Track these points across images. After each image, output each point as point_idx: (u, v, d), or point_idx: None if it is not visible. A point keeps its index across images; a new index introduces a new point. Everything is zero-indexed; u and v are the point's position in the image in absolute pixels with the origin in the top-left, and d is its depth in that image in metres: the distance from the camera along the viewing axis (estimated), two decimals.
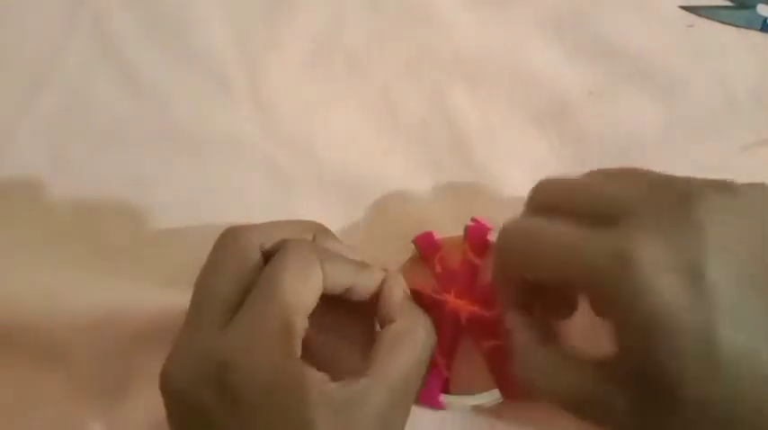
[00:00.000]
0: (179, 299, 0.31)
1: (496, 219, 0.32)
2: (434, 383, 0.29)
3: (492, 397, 0.28)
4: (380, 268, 0.28)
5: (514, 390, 0.28)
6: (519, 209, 0.33)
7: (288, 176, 0.35)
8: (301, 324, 0.24)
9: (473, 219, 0.32)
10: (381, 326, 0.27)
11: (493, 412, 0.29)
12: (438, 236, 0.32)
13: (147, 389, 0.31)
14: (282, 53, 0.38)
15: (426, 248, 0.31)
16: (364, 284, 0.27)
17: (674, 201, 0.22)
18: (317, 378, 0.23)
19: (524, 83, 0.36)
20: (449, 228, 0.32)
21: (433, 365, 0.28)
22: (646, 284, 0.21)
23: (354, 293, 0.27)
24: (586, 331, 0.28)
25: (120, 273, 0.33)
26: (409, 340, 0.26)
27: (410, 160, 0.35)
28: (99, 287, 0.32)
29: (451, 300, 0.30)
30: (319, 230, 0.28)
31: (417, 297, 0.29)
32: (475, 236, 0.31)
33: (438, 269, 0.31)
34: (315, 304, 0.25)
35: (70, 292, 0.32)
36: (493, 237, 0.31)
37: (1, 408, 0.31)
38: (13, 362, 0.31)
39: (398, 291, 0.28)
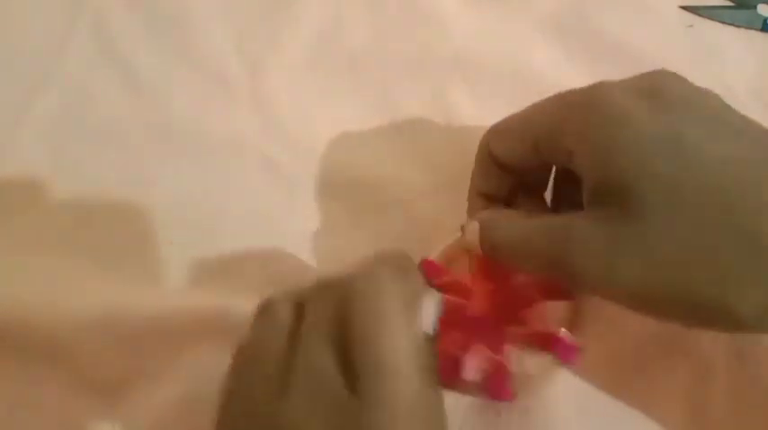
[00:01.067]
0: (179, 298, 0.31)
1: None
2: (499, 379, 0.28)
3: (549, 362, 0.28)
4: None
5: (566, 350, 0.28)
6: None
7: (288, 176, 0.35)
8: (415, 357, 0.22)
9: None
10: None
11: (493, 410, 0.30)
12: (435, 256, 0.31)
13: (148, 388, 0.31)
14: (282, 53, 0.38)
15: (431, 273, 0.31)
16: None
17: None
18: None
19: (524, 83, 0.36)
20: (449, 229, 0.32)
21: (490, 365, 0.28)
22: (607, 93, 0.23)
23: None
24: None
25: (119, 273, 0.33)
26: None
27: (410, 160, 0.35)
28: (99, 287, 0.32)
29: (477, 305, 0.30)
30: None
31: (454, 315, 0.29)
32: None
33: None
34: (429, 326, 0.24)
35: (70, 292, 0.32)
36: None
37: (1, 408, 0.31)
38: (13, 361, 0.31)
39: None
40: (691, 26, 0.37)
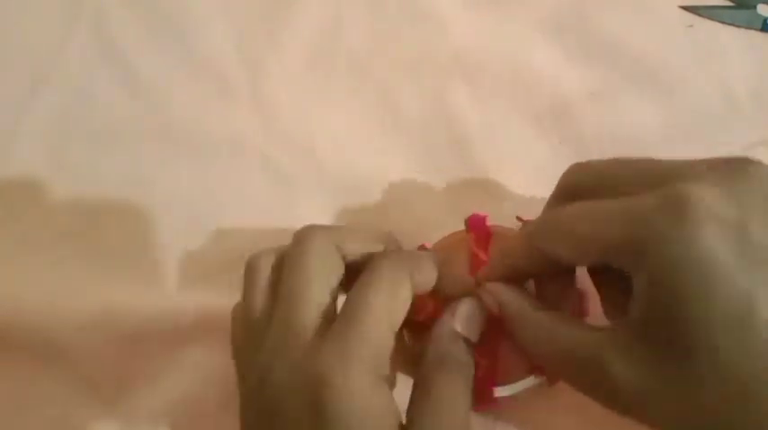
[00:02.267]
0: (179, 299, 0.31)
1: (497, 219, 0.32)
2: (486, 382, 0.29)
3: (537, 380, 0.29)
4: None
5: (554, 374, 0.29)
6: (519, 208, 0.33)
7: (288, 176, 0.35)
8: (392, 344, 0.23)
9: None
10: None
11: (492, 412, 0.30)
12: (432, 241, 0.31)
13: (147, 388, 0.31)
14: (282, 53, 0.38)
15: None
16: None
17: (725, 167, 0.21)
18: (398, 413, 0.23)
19: (524, 83, 0.36)
20: (449, 228, 0.32)
21: (477, 366, 0.28)
22: (696, 230, 0.20)
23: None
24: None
25: (119, 273, 0.33)
26: (458, 392, 0.24)
27: (410, 160, 0.35)
28: (99, 287, 0.32)
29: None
30: (391, 242, 0.28)
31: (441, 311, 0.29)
32: (476, 225, 0.31)
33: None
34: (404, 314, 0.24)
35: (70, 292, 0.32)
36: (491, 222, 0.31)
37: (1, 408, 0.31)
38: (13, 361, 0.31)
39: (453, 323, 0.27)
40: (691, 26, 0.37)
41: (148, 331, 0.31)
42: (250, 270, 0.26)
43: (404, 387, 0.25)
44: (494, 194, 0.34)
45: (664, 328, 0.20)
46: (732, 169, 0.21)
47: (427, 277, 0.26)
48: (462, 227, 0.32)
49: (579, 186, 0.25)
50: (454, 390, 0.24)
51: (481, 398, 0.28)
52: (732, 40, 0.37)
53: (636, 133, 0.35)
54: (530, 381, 0.29)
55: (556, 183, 0.34)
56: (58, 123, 0.37)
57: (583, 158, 0.34)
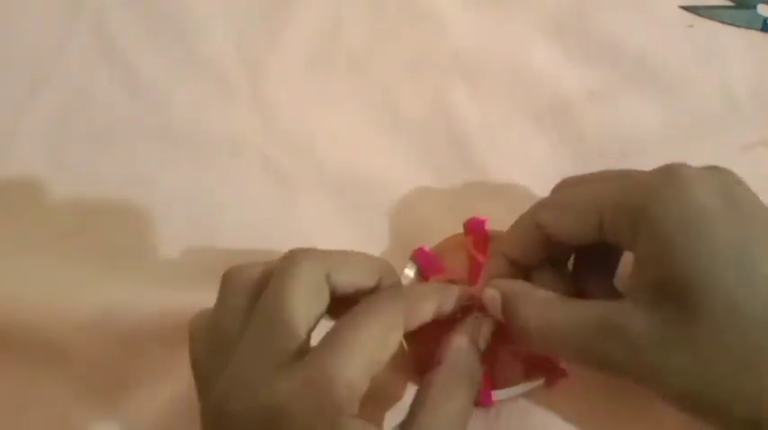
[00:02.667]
0: (179, 299, 0.31)
1: (497, 219, 0.32)
2: (485, 385, 0.29)
3: (535, 383, 0.29)
4: (464, 288, 0.28)
5: (552, 375, 0.29)
6: (519, 209, 0.33)
7: (288, 176, 0.35)
8: (365, 385, 0.22)
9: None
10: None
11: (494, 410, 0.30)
12: (429, 247, 0.31)
13: (147, 388, 0.31)
14: (282, 53, 0.38)
15: (426, 265, 0.31)
16: (446, 310, 0.26)
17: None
18: None
19: (524, 83, 0.36)
20: (449, 229, 0.32)
21: None
22: (690, 187, 0.22)
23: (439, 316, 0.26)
24: None
25: (119, 273, 0.33)
26: (457, 395, 0.24)
27: (410, 160, 0.35)
28: (99, 287, 0.32)
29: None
30: (387, 272, 0.26)
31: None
32: (475, 228, 0.31)
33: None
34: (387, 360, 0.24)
35: (70, 292, 0.32)
36: (490, 226, 0.31)
37: (1, 408, 0.31)
38: (13, 361, 0.31)
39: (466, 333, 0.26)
40: (691, 26, 0.37)
41: (148, 331, 0.31)
42: (228, 282, 0.25)
43: None
44: (494, 194, 0.34)
45: (672, 284, 0.22)
46: (708, 169, 0.24)
47: (422, 316, 0.26)
48: (461, 229, 0.32)
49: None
50: (465, 404, 0.24)
51: (480, 400, 0.29)
52: (732, 40, 0.37)
53: (636, 133, 0.35)
54: (527, 385, 0.29)
55: (556, 182, 0.34)
56: (58, 123, 0.37)
57: (583, 158, 0.35)
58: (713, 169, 0.24)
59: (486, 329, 0.27)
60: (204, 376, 0.24)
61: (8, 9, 0.40)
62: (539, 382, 0.29)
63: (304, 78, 0.37)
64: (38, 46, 0.39)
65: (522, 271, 0.28)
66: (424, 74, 0.37)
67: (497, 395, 0.29)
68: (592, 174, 0.28)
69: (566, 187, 0.28)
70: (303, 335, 0.23)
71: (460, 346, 0.26)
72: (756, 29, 0.37)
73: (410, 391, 0.30)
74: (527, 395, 0.29)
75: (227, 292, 0.25)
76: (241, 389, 0.22)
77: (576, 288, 0.28)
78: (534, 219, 0.26)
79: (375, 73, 0.37)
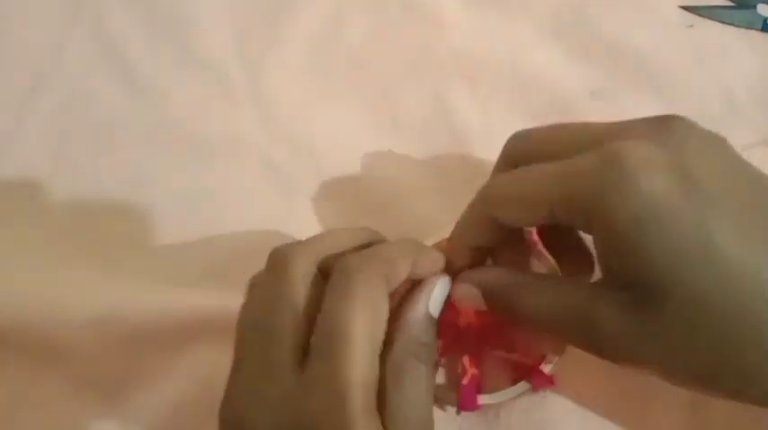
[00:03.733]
0: (179, 298, 0.31)
1: None
2: (472, 389, 0.29)
3: (522, 389, 0.29)
4: (439, 253, 0.27)
5: (539, 382, 0.29)
6: None
7: (288, 176, 0.35)
8: (377, 368, 0.22)
9: None
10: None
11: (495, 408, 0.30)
12: (429, 244, 0.31)
13: (147, 388, 0.31)
14: (282, 53, 0.38)
15: None
16: (422, 272, 0.26)
17: (654, 123, 0.23)
18: None
19: (524, 83, 0.36)
20: (448, 228, 0.32)
21: (464, 373, 0.29)
22: (635, 179, 0.20)
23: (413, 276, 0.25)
24: None
25: (119, 272, 0.33)
26: (423, 378, 0.24)
27: (410, 160, 0.35)
28: (98, 287, 0.32)
29: (465, 314, 0.30)
30: (373, 237, 0.26)
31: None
32: None
33: None
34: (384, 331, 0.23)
35: (70, 292, 0.32)
36: None
37: (1, 409, 0.31)
38: (13, 362, 0.31)
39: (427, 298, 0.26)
40: (691, 26, 0.37)
41: (148, 331, 0.31)
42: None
43: None
44: None
45: (633, 274, 0.21)
46: (659, 124, 0.23)
47: (400, 275, 0.24)
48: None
49: (520, 153, 0.26)
50: (427, 380, 0.24)
51: (466, 404, 0.29)
52: (732, 40, 0.37)
53: None
54: (513, 391, 0.29)
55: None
56: (58, 123, 0.37)
57: None
58: (665, 137, 0.22)
59: (438, 292, 0.26)
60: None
61: (8, 9, 0.40)
62: (525, 388, 0.29)
63: (304, 78, 0.37)
64: (38, 46, 0.38)
65: (483, 252, 0.27)
66: (424, 74, 0.37)
67: (483, 399, 0.29)
68: (538, 139, 0.26)
69: (514, 154, 0.27)
70: (303, 333, 0.23)
71: (417, 322, 0.25)
72: (756, 29, 0.37)
73: None
74: (514, 400, 0.29)
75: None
76: (259, 401, 0.22)
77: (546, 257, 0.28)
78: (485, 210, 0.26)
79: (375, 73, 0.37)
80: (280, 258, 0.24)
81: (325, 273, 0.24)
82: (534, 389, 0.29)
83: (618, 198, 0.20)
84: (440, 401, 0.30)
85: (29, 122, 0.37)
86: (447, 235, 0.32)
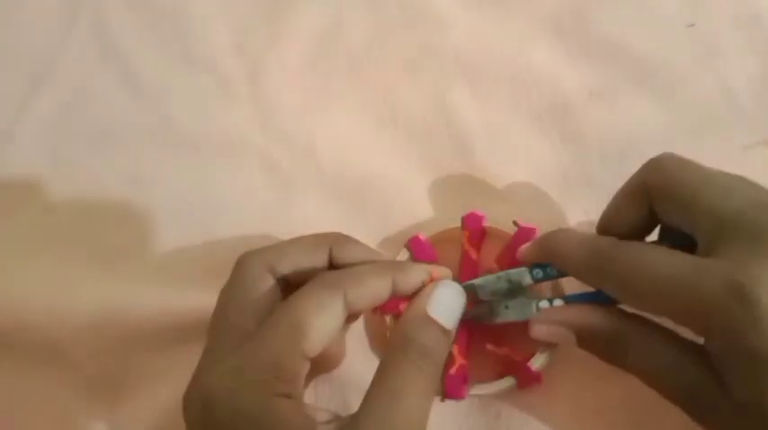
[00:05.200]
0: (179, 298, 0.31)
1: (496, 219, 0.32)
2: (459, 379, 0.29)
3: (508, 383, 0.29)
4: (423, 265, 0.27)
5: (526, 379, 0.29)
6: (519, 208, 0.33)
7: (288, 176, 0.35)
8: (300, 364, 0.23)
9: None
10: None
11: (495, 403, 0.30)
12: (425, 236, 0.32)
13: (147, 388, 0.31)
14: (282, 53, 0.38)
15: (419, 253, 0.32)
16: (405, 287, 0.25)
17: None
18: (300, 422, 0.22)
19: (524, 83, 0.36)
20: (448, 227, 0.32)
21: (452, 363, 0.29)
22: (762, 319, 0.21)
23: (398, 294, 0.25)
24: None
25: (119, 272, 0.33)
26: (418, 384, 0.23)
27: (410, 160, 0.35)
28: (99, 287, 0.32)
29: None
30: (336, 241, 0.27)
31: None
32: (471, 224, 0.31)
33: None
34: (332, 338, 0.24)
35: (70, 292, 0.32)
36: (487, 223, 0.31)
37: (1, 409, 0.31)
38: (13, 361, 0.31)
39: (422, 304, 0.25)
40: (691, 26, 0.37)
41: (148, 331, 0.31)
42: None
43: None
44: (493, 194, 0.34)
45: (739, 387, 0.22)
46: None
47: (374, 294, 0.25)
48: (459, 224, 0.32)
49: (655, 188, 0.25)
50: (414, 380, 0.23)
51: (452, 393, 0.29)
52: (732, 40, 0.37)
53: (636, 133, 0.35)
54: (500, 384, 0.30)
55: (556, 182, 0.34)
56: (57, 123, 0.37)
57: (583, 158, 0.35)
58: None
59: (440, 296, 0.25)
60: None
61: (8, 8, 0.40)
62: (511, 383, 0.29)
63: (304, 78, 0.37)
64: (38, 45, 0.39)
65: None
66: (424, 74, 0.37)
67: (469, 390, 0.29)
68: (680, 194, 0.25)
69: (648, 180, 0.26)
70: (247, 326, 0.24)
71: (410, 318, 0.24)
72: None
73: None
74: (500, 394, 0.30)
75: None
76: (193, 381, 0.24)
77: None
78: (581, 271, 0.26)
79: (375, 73, 0.37)
80: (236, 264, 0.26)
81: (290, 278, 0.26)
82: (520, 385, 0.29)
83: (753, 336, 0.21)
84: None
85: (29, 122, 0.37)
86: (441, 229, 0.32)
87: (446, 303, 0.25)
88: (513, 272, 0.28)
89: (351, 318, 0.26)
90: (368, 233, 0.33)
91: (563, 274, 0.28)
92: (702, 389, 0.23)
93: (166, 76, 0.38)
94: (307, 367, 0.23)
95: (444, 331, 0.24)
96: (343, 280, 0.24)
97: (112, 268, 0.33)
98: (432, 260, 0.31)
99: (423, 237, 0.32)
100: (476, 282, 0.28)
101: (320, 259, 0.26)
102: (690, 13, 0.37)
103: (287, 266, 0.25)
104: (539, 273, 0.28)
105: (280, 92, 0.37)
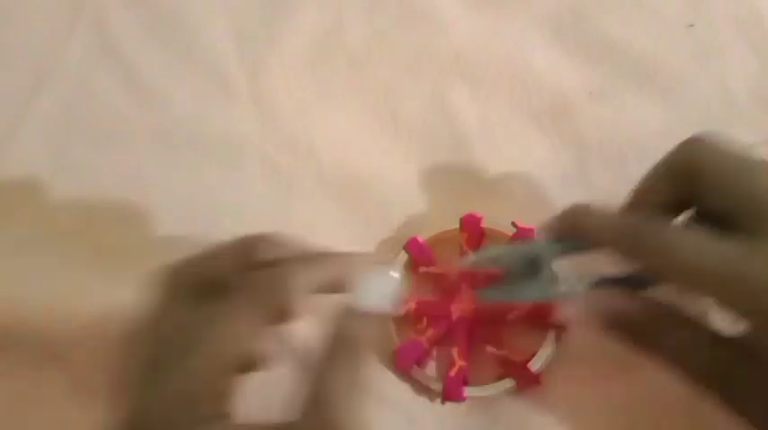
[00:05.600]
0: None
1: (497, 219, 0.32)
2: (458, 380, 0.30)
3: (508, 385, 0.29)
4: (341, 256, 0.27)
5: (525, 381, 0.29)
6: (519, 208, 0.33)
7: (287, 176, 0.35)
8: (224, 381, 0.23)
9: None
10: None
11: (495, 405, 0.30)
12: (425, 237, 0.32)
13: None
14: (282, 53, 0.38)
15: (417, 255, 0.32)
16: (329, 282, 0.25)
17: None
18: None
19: (524, 83, 0.36)
20: (447, 228, 0.32)
21: (452, 365, 0.30)
22: None
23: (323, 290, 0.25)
24: None
25: (119, 273, 0.33)
26: (341, 366, 0.23)
27: (410, 160, 0.35)
28: (99, 287, 0.32)
29: (458, 306, 0.31)
30: (256, 244, 0.26)
31: (426, 307, 0.31)
32: (470, 225, 0.31)
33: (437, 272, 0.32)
34: (254, 345, 0.24)
35: (70, 292, 0.32)
36: (486, 224, 0.32)
37: (1, 409, 0.31)
38: (13, 362, 0.31)
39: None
40: (691, 26, 0.37)
41: None
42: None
43: None
44: (493, 194, 0.34)
45: None
46: None
47: (287, 294, 0.24)
48: (458, 225, 0.32)
49: (696, 168, 0.25)
50: (343, 374, 0.23)
51: (451, 395, 0.29)
52: (732, 40, 0.37)
53: (636, 133, 0.35)
54: (499, 386, 0.30)
55: (555, 183, 0.34)
56: (58, 123, 0.37)
57: (583, 158, 0.35)
58: None
59: (386, 286, 0.26)
60: None
61: (8, 8, 0.40)
62: (510, 385, 0.29)
63: (304, 78, 0.37)
64: (38, 45, 0.39)
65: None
66: (424, 74, 0.37)
67: (469, 391, 0.30)
68: (722, 171, 0.25)
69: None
70: (168, 333, 0.24)
71: (336, 315, 0.24)
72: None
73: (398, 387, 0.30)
74: (499, 396, 0.30)
75: None
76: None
77: None
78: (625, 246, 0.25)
79: (375, 73, 0.37)
80: (160, 273, 0.26)
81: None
82: (520, 387, 0.29)
83: None
84: (426, 391, 0.30)
85: (29, 122, 0.37)
86: (443, 229, 0.32)
87: (371, 292, 0.25)
88: (531, 245, 0.27)
89: (280, 318, 0.25)
90: (367, 233, 0.33)
91: (585, 249, 0.26)
92: (735, 372, 0.23)
93: (166, 76, 0.38)
94: (234, 380, 0.23)
95: (373, 317, 0.25)
96: (259, 283, 0.24)
97: (112, 268, 0.33)
98: (429, 261, 0.32)
99: (421, 239, 0.32)
100: (491, 253, 0.28)
101: (240, 263, 0.26)
102: (690, 14, 0.37)
103: (204, 276, 0.25)
104: (558, 247, 0.26)
105: (280, 92, 0.37)
